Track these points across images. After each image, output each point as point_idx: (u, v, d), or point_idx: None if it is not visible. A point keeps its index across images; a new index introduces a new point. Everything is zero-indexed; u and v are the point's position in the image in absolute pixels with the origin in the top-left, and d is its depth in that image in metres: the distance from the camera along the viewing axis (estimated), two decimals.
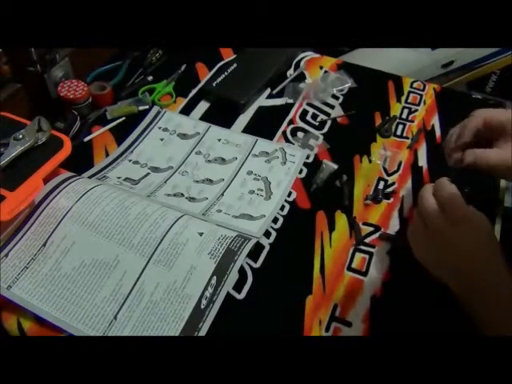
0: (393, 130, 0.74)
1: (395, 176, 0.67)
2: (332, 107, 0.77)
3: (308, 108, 0.77)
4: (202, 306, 0.51)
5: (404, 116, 0.76)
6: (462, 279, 0.49)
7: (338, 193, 0.64)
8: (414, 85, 0.81)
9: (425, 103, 0.78)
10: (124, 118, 0.73)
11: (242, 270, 0.55)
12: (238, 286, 0.54)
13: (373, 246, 0.59)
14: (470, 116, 0.57)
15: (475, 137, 0.56)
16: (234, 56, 0.84)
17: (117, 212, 0.54)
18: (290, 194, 0.64)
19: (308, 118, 0.75)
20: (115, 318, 0.49)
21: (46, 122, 0.58)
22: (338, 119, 0.75)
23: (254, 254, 0.57)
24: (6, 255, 0.52)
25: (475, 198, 0.52)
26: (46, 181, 0.55)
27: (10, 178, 0.53)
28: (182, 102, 0.77)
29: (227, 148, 0.69)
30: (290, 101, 0.78)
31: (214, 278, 0.52)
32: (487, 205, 0.53)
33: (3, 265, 0.51)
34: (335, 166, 0.67)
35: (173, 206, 0.59)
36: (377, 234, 0.60)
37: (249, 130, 0.73)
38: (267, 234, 0.59)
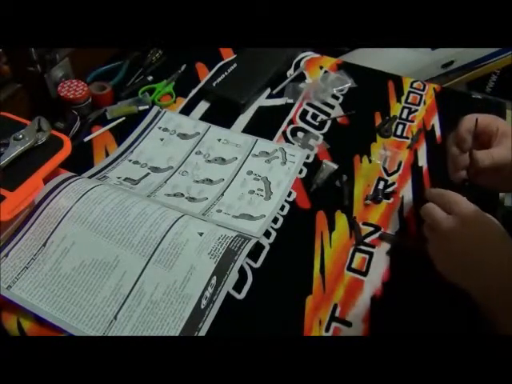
0: (393, 129, 0.74)
1: (395, 176, 0.67)
2: (332, 107, 0.77)
3: (308, 108, 0.77)
4: (202, 306, 0.51)
5: (404, 116, 0.76)
6: (482, 283, 0.48)
7: (338, 193, 0.64)
8: (414, 85, 0.81)
9: (425, 103, 0.78)
10: (124, 118, 0.73)
11: (242, 270, 0.55)
12: (238, 286, 0.54)
13: (373, 246, 0.59)
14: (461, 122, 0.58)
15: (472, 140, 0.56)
16: (234, 56, 0.84)
17: (117, 212, 0.54)
18: (290, 194, 0.64)
19: (308, 117, 0.75)
20: (115, 318, 0.49)
21: (46, 122, 0.58)
22: (338, 119, 0.75)
23: (254, 254, 0.57)
24: (6, 255, 0.52)
25: (475, 191, 0.52)
26: (46, 181, 0.55)
27: (10, 178, 0.53)
28: (182, 102, 0.77)
29: (227, 148, 0.69)
30: (290, 101, 0.78)
31: (214, 278, 0.52)
32: (487, 205, 0.53)
33: (3, 265, 0.51)
34: (335, 166, 0.67)
35: (173, 206, 0.59)
36: (377, 234, 0.60)
37: (249, 130, 0.73)
38: (267, 234, 0.59)
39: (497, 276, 0.48)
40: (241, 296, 0.54)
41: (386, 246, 0.59)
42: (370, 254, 0.58)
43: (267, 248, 0.58)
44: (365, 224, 0.61)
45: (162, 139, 0.70)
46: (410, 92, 0.80)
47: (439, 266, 0.52)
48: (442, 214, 0.51)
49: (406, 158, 0.70)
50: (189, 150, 0.69)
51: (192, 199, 0.62)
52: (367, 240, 0.60)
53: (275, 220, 0.61)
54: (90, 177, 0.63)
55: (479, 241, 0.49)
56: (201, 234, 0.54)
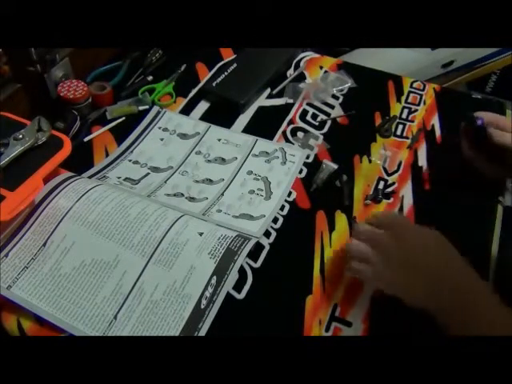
0: (393, 129, 0.74)
1: (395, 176, 0.67)
2: (332, 107, 0.77)
3: (308, 108, 0.77)
4: (202, 306, 0.51)
5: (404, 116, 0.76)
6: (438, 299, 0.47)
7: (338, 193, 0.64)
8: (414, 85, 0.81)
9: (425, 103, 0.78)
10: (124, 118, 0.73)
11: (241, 270, 0.55)
12: (238, 286, 0.54)
13: None
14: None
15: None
16: (234, 56, 0.84)
17: (117, 212, 0.54)
18: (289, 194, 0.64)
19: (308, 118, 0.75)
20: (115, 317, 0.49)
21: (46, 122, 0.58)
22: (338, 119, 0.75)
23: (253, 254, 0.57)
24: (6, 255, 0.52)
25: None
26: (46, 181, 0.55)
27: (10, 178, 0.53)
28: (182, 102, 0.77)
29: (227, 148, 0.69)
30: (290, 101, 0.77)
31: (214, 277, 0.52)
32: (488, 201, 0.53)
33: (3, 265, 0.51)
34: (335, 166, 0.67)
35: (173, 206, 0.59)
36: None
37: (249, 130, 0.73)
38: (267, 234, 0.59)
39: (446, 278, 0.47)
40: (241, 296, 0.54)
41: None
42: None
43: (267, 248, 0.58)
44: None
45: (162, 139, 0.70)
46: (409, 92, 0.80)
47: (384, 284, 0.50)
48: (378, 232, 0.51)
49: (406, 157, 0.70)
50: (189, 150, 0.69)
51: (192, 199, 0.62)
52: None
53: (275, 220, 0.61)
54: (89, 177, 0.63)
55: (421, 248, 0.50)
56: (201, 234, 0.54)
